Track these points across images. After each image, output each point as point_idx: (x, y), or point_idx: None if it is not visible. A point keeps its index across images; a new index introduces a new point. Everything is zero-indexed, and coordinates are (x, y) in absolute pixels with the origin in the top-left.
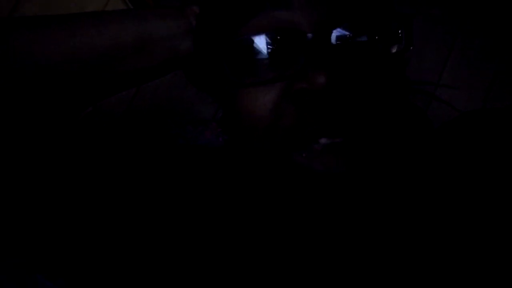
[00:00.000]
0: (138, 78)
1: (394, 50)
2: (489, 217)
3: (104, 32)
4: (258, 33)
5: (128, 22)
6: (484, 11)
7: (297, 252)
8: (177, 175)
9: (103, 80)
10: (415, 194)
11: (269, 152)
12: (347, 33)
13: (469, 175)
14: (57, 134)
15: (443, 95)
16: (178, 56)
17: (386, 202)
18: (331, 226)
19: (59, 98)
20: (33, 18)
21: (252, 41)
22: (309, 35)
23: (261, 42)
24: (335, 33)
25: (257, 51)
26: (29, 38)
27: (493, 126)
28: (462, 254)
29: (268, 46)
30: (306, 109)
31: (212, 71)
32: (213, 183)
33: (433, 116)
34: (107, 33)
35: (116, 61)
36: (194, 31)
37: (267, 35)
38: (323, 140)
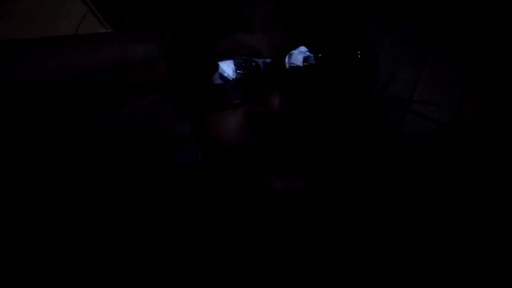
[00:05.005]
0: (118, 99)
1: (353, 70)
2: (469, 229)
3: (83, 52)
4: (220, 58)
5: (108, 44)
6: (454, 29)
7: (262, 271)
8: (155, 196)
9: (83, 100)
10: (391, 207)
11: (236, 171)
12: (304, 55)
13: (449, 187)
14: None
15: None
16: (157, 77)
17: (357, 216)
18: (291, 245)
19: (38, 117)
20: (14, 42)
21: (215, 66)
22: (265, 60)
23: (223, 67)
24: (292, 56)
25: (219, 76)
26: (9, 62)
27: (472, 138)
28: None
29: (230, 71)
30: (262, 133)
31: (184, 94)
32: (189, 203)
33: (406, 132)
34: (87, 54)
35: (95, 82)
36: (167, 54)
37: (228, 60)
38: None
